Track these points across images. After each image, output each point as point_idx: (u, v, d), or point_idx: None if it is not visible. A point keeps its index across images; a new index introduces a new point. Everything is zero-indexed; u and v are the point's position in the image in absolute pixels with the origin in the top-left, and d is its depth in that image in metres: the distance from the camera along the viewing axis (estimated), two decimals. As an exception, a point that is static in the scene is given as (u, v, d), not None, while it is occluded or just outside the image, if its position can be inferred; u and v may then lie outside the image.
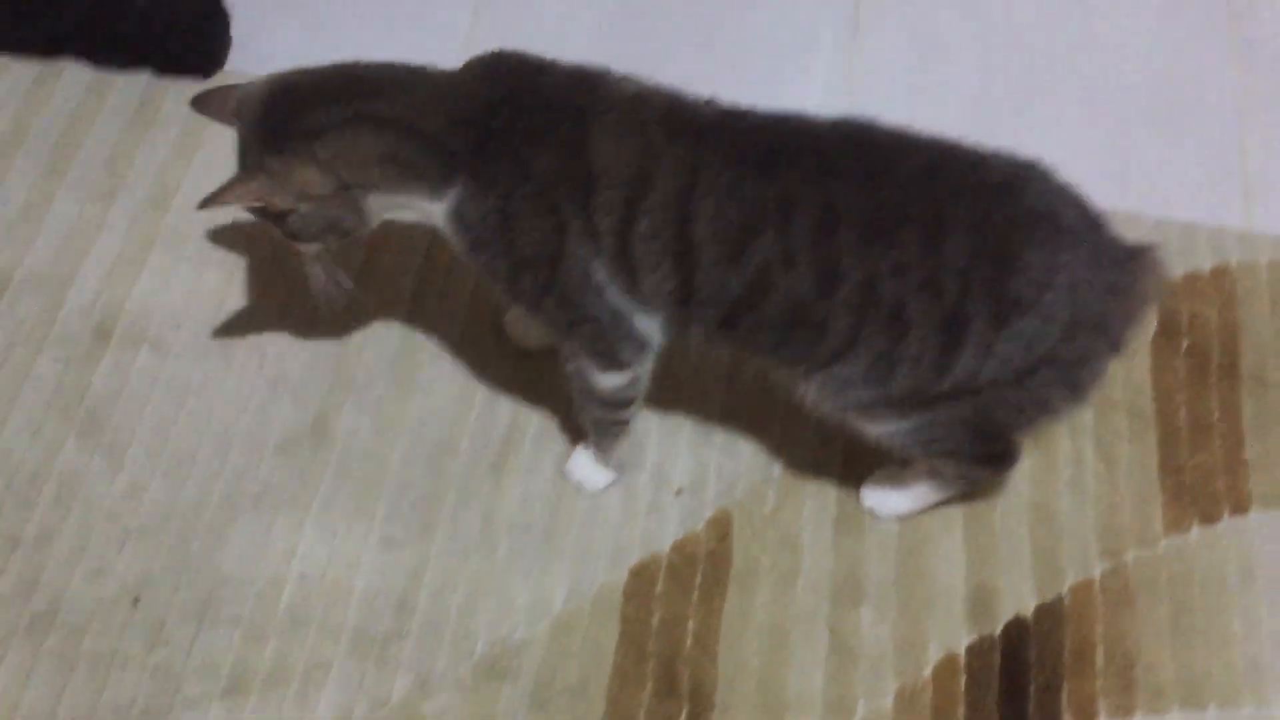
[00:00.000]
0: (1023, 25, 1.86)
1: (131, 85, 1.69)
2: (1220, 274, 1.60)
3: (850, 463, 1.44)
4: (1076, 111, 1.78)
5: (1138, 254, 1.17)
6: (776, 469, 1.45)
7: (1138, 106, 1.78)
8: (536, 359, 1.48)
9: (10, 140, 1.63)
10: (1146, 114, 1.77)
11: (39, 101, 1.66)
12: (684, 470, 1.45)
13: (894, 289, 1.14)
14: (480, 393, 1.48)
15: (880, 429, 1.27)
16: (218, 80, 1.68)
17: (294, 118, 1.18)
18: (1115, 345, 1.18)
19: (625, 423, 1.36)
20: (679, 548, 1.40)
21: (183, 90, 1.67)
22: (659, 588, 1.37)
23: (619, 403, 1.33)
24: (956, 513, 1.42)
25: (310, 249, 1.26)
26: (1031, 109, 1.78)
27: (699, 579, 1.38)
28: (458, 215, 1.20)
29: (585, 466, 1.42)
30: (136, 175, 1.61)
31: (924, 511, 1.41)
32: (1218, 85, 1.80)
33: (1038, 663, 1.34)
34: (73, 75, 1.69)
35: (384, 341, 1.51)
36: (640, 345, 1.26)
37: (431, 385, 1.49)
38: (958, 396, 1.19)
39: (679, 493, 1.43)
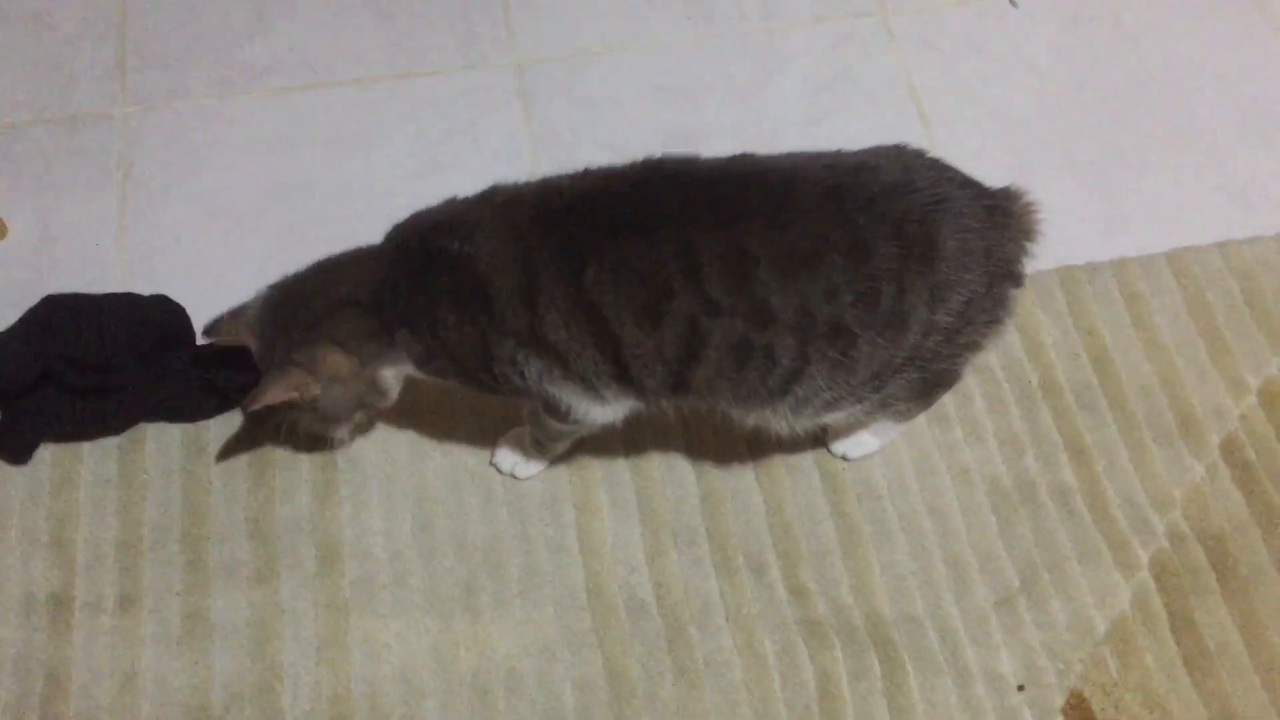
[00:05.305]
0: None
1: (229, 429, 1.45)
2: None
3: (1169, 593, 1.38)
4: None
5: (1013, 198, 1.24)
6: (1100, 625, 1.37)
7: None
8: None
9: (129, 542, 1.38)
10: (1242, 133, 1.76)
11: (134, 483, 1.41)
12: (1012, 663, 1.35)
13: (829, 311, 1.15)
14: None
15: (839, 415, 1.28)
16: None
17: (299, 313, 1.26)
18: (1019, 280, 1.24)
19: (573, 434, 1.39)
20: (1052, 749, 1.30)
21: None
22: (1055, 801, 1.27)
23: (572, 432, 1.36)
24: None
25: (342, 431, 1.35)
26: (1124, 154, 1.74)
27: (1089, 776, 1.29)
28: (417, 360, 1.27)
29: (515, 458, 1.44)
30: (287, 534, 1.39)
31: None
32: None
33: None
34: (157, 438, 1.44)
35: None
36: (587, 409, 1.27)
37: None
38: (906, 368, 1.22)
39: (1021, 689, 1.33)
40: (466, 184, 1.68)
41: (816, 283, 1.14)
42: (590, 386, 1.23)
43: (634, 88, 1.80)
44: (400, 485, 1.42)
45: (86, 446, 1.43)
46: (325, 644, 1.32)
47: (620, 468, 1.45)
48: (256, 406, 1.24)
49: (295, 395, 1.25)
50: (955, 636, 1.36)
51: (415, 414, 1.47)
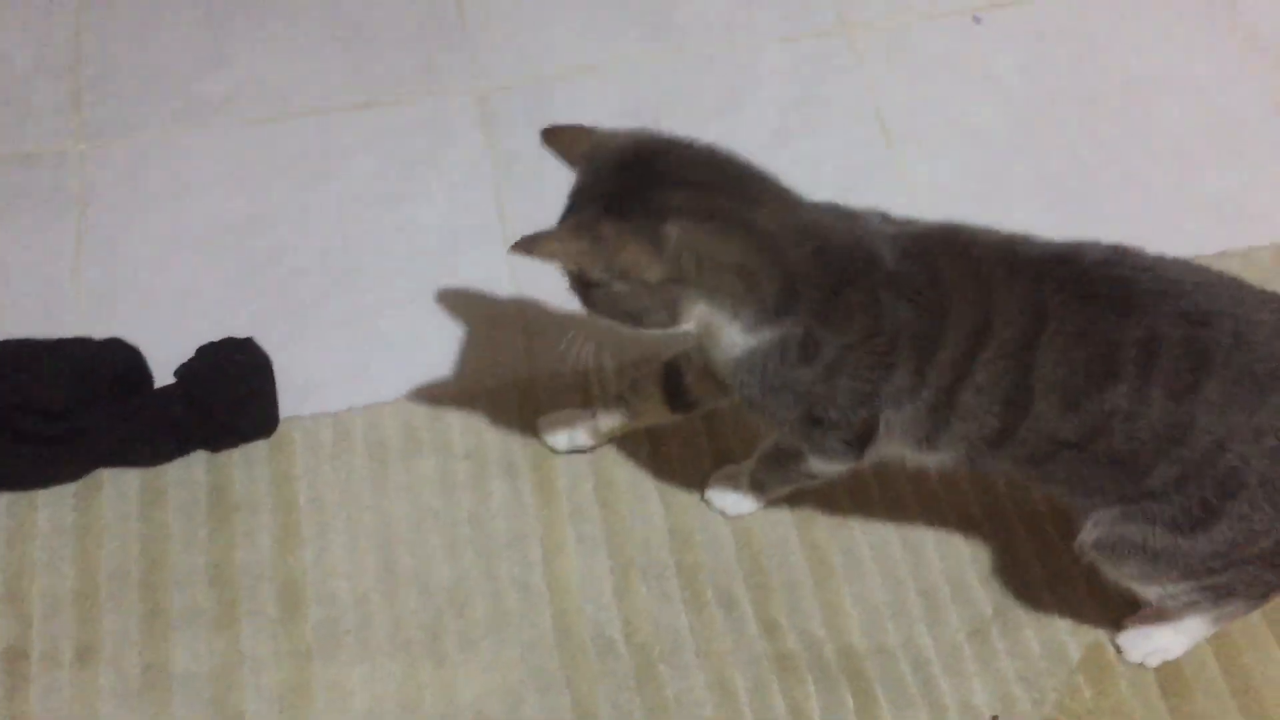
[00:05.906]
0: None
1: (188, 473, 1.43)
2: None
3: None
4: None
5: None
6: (1074, 651, 1.35)
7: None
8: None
9: (86, 592, 1.35)
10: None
11: (91, 531, 1.39)
12: (985, 693, 1.33)
13: (1241, 454, 1.07)
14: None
15: (1168, 590, 1.21)
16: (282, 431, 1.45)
17: (653, 187, 1.06)
18: None
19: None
20: (1027, 782, 1.29)
21: (249, 458, 1.43)
22: (1031, 835, 1.26)
23: (825, 477, 1.30)
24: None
25: (595, 324, 1.14)
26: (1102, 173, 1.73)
27: (1065, 808, 1.27)
28: (768, 353, 1.12)
29: (731, 496, 1.39)
30: (248, 579, 1.37)
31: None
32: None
33: None
34: (115, 484, 1.42)
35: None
36: (876, 455, 1.21)
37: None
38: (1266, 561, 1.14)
39: (995, 719, 1.31)
40: (430, 214, 1.68)
41: (1253, 420, 1.06)
42: (935, 440, 1.15)
43: (599, 111, 1.77)
44: (364, 526, 1.40)
45: (42, 495, 1.40)
46: (288, 692, 1.30)
47: (588, 502, 1.42)
48: (522, 253, 1.04)
49: (572, 268, 1.08)
50: (928, 668, 1.34)
51: (377, 451, 1.45)
